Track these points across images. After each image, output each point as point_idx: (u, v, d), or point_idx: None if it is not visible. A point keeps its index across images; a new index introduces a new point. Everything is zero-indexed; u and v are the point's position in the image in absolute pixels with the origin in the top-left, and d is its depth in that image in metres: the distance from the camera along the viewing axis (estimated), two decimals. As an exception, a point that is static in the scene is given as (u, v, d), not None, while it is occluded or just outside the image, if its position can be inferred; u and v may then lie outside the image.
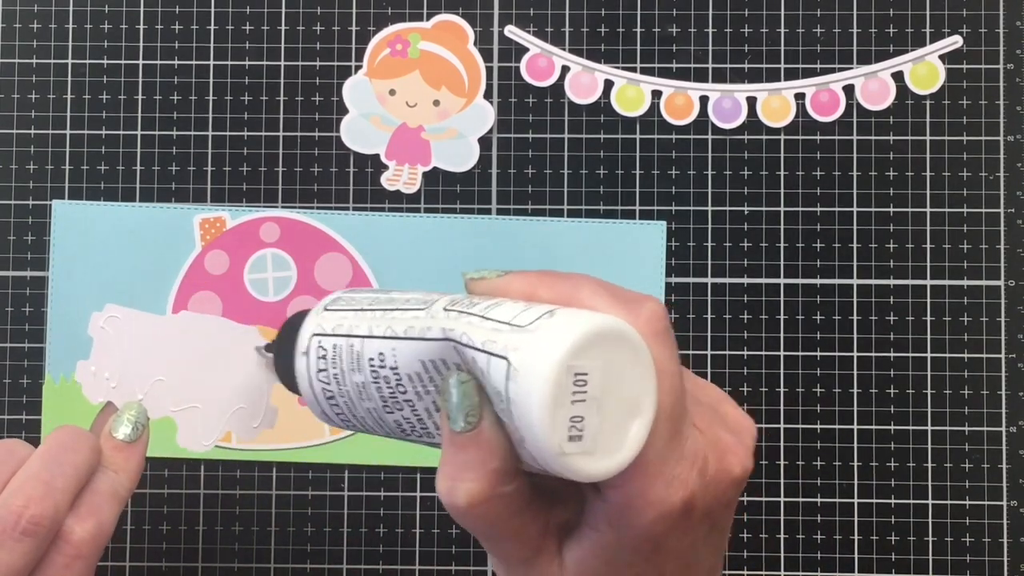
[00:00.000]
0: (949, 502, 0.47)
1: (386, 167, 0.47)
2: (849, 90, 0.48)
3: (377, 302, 0.31)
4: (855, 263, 0.47)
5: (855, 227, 0.47)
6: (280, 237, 0.47)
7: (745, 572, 0.47)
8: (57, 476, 0.35)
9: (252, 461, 0.47)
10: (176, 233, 0.47)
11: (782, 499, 0.47)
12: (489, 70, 0.48)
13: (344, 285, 0.47)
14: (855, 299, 0.47)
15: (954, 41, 0.48)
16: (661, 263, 0.48)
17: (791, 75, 0.48)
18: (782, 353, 0.47)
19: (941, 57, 0.48)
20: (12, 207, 0.47)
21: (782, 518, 0.47)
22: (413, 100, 0.47)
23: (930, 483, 0.47)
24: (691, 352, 0.47)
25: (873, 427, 0.47)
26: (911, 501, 0.47)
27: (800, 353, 0.47)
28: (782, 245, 0.47)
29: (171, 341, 0.46)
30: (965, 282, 0.47)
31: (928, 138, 0.47)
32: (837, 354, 0.47)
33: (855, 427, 0.47)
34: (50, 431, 0.45)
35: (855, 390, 0.47)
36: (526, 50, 0.48)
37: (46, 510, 0.35)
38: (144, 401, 0.45)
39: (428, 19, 0.48)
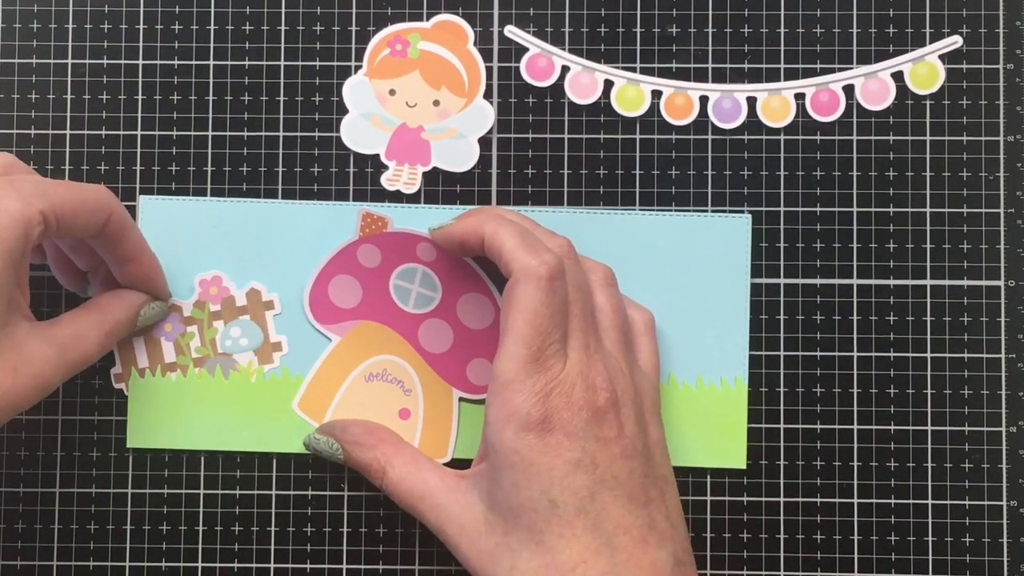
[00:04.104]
0: (949, 502, 0.47)
1: (386, 167, 0.47)
2: (849, 90, 0.48)
3: None
4: (855, 263, 0.47)
5: (855, 227, 0.47)
6: (436, 259, 0.46)
7: (745, 572, 0.47)
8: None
9: (252, 460, 0.47)
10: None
11: (782, 499, 0.47)
12: (489, 70, 0.48)
13: (485, 326, 0.46)
14: (855, 299, 0.47)
15: (954, 41, 0.48)
16: (746, 262, 0.47)
17: (791, 75, 0.48)
18: (782, 353, 0.47)
19: (941, 57, 0.48)
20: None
21: (782, 518, 0.47)
22: (413, 100, 0.47)
23: (930, 483, 0.47)
24: (691, 352, 0.47)
25: (873, 427, 0.47)
26: (911, 501, 0.47)
27: (800, 353, 0.47)
28: (782, 245, 0.47)
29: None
30: (965, 282, 0.47)
31: (928, 138, 0.47)
32: (837, 354, 0.47)
33: (855, 427, 0.47)
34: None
35: (855, 390, 0.47)
36: (526, 50, 0.48)
37: None
38: None
39: (428, 19, 0.48)
